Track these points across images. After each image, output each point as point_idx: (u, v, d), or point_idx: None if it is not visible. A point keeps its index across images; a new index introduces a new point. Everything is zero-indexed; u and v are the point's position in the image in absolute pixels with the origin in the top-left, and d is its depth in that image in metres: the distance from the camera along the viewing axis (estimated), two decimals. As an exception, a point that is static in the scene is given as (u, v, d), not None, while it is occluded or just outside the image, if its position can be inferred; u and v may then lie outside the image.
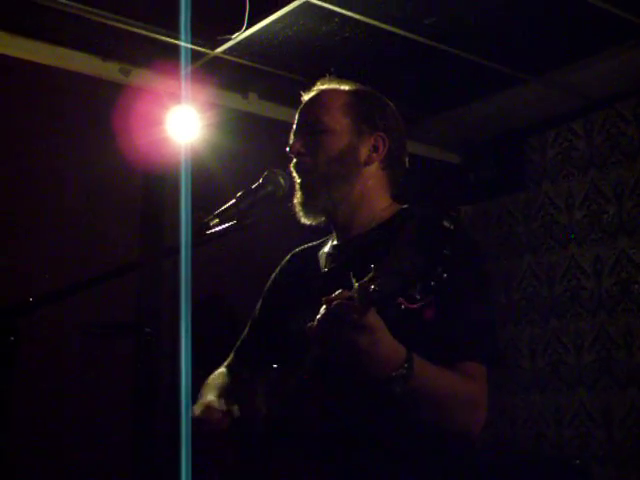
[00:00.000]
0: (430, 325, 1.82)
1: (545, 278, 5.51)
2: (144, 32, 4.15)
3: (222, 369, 2.38)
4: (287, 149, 2.18)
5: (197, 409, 2.09)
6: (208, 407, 2.08)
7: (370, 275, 1.60)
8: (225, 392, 2.21)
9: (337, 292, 1.65)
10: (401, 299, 1.59)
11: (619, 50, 4.53)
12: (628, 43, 4.46)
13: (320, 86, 2.22)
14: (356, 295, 1.61)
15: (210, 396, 2.16)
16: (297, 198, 2.14)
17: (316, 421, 1.90)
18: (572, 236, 5.40)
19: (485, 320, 1.98)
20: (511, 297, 5.66)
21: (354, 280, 1.63)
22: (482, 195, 5.95)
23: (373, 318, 1.64)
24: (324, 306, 1.66)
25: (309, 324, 1.68)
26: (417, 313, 1.62)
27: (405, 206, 2.17)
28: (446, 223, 1.57)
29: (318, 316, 1.67)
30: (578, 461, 4.69)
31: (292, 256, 2.39)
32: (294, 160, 2.15)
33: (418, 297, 1.56)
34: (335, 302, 1.63)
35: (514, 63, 4.69)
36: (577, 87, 5.03)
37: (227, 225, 1.96)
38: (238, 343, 2.40)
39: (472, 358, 1.90)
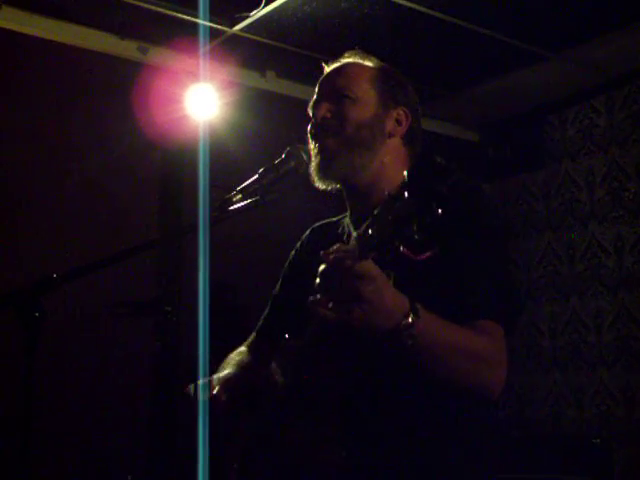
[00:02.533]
0: (439, 278, 1.80)
1: (565, 256, 5.48)
2: (162, 10, 4.14)
3: (242, 347, 2.39)
4: (310, 113, 2.16)
5: (210, 390, 2.08)
6: (225, 382, 2.08)
7: (367, 222, 1.56)
8: (243, 367, 2.21)
9: (335, 246, 1.62)
10: (403, 248, 1.52)
11: (641, 26, 4.49)
12: (650, 19, 4.41)
13: (346, 59, 2.21)
14: (355, 243, 1.58)
15: (227, 371, 2.16)
16: (314, 161, 2.09)
17: (327, 387, 1.89)
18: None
19: (497, 270, 1.92)
20: (531, 275, 5.64)
21: (352, 230, 1.60)
22: (502, 173, 5.92)
23: (371, 266, 1.59)
24: (322, 264, 1.62)
25: (311, 298, 1.65)
26: (424, 266, 1.56)
27: None
28: (438, 159, 1.53)
29: (319, 270, 1.63)
30: (598, 440, 4.67)
31: (311, 231, 2.38)
32: (316, 124, 2.11)
33: (416, 238, 1.51)
34: (332, 255, 1.60)
35: (535, 40, 4.64)
36: (598, 64, 4.98)
37: (250, 201, 1.95)
38: (260, 322, 2.40)
39: (486, 316, 1.84)
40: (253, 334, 2.41)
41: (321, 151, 2.08)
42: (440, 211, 1.47)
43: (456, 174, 1.55)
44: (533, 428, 5.42)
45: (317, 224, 2.38)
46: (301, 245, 2.38)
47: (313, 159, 2.09)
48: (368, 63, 2.19)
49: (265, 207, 1.99)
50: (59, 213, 4.16)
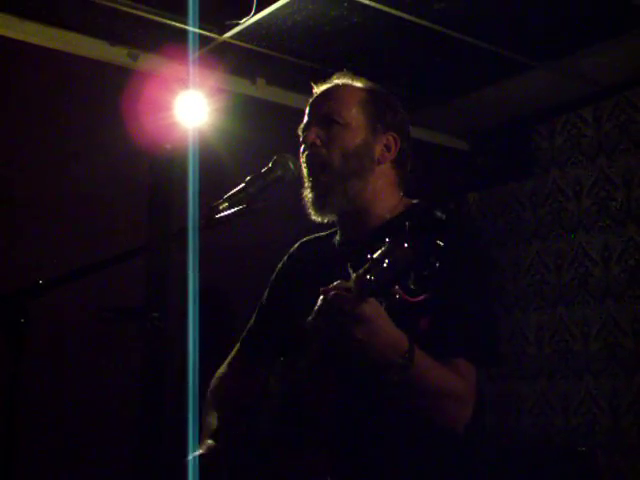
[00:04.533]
0: (426, 318, 1.84)
1: (553, 265, 5.50)
2: (152, 17, 4.14)
3: (224, 370, 2.40)
4: (300, 139, 2.17)
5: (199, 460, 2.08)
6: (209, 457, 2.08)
7: (366, 266, 1.63)
8: (223, 424, 2.21)
9: (335, 283, 1.69)
10: (397, 289, 1.61)
11: (629, 37, 4.50)
12: (639, 30, 4.43)
13: (335, 80, 2.22)
14: (353, 285, 1.64)
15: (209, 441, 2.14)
16: (309, 195, 2.13)
17: (316, 412, 1.91)
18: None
19: (483, 317, 1.99)
20: (518, 284, 5.65)
21: (351, 271, 1.65)
22: (490, 182, 5.94)
23: (370, 308, 1.67)
24: (321, 297, 1.70)
25: (308, 319, 1.72)
26: (414, 305, 1.63)
27: (415, 201, 2.18)
28: (438, 213, 1.58)
29: (315, 307, 1.71)
30: (584, 448, 4.69)
31: (301, 245, 2.39)
32: (306, 152, 2.14)
33: (412, 287, 1.58)
34: (331, 293, 1.66)
35: (523, 49, 4.66)
36: (586, 74, 5.00)
37: (236, 209, 1.96)
38: (245, 333, 2.41)
39: (461, 355, 1.91)
40: (237, 345, 2.42)
41: (315, 187, 2.12)
42: (438, 265, 1.56)
43: (455, 229, 1.63)
44: (519, 436, 5.42)
45: (305, 239, 2.40)
46: (289, 258, 2.39)
47: (307, 193, 2.14)
48: (358, 84, 2.20)
49: (252, 215, 2.00)
50: (47, 218, 4.15)
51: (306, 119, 2.20)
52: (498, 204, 5.92)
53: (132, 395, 4.37)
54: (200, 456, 2.06)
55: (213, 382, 2.38)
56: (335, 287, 1.67)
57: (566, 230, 5.45)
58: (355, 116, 2.13)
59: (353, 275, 1.66)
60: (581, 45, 4.62)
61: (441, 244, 1.55)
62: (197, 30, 4.19)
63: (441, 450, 1.97)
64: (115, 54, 4.48)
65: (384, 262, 1.58)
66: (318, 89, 2.22)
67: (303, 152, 2.15)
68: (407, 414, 1.89)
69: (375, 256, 1.61)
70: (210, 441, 2.12)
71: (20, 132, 4.16)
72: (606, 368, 5.07)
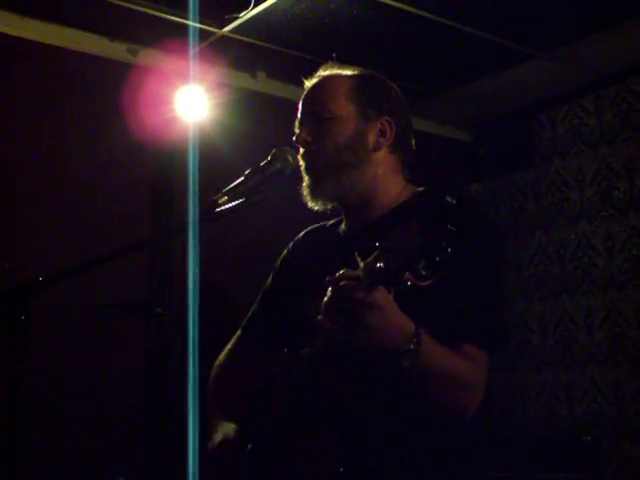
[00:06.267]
0: (437, 303, 1.83)
1: (556, 255, 5.49)
2: (152, 12, 4.13)
3: (225, 358, 2.40)
4: (294, 138, 2.17)
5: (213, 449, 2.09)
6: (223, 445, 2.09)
7: (375, 253, 1.60)
8: (232, 409, 2.21)
9: (341, 271, 1.67)
10: (408, 275, 1.60)
11: (630, 25, 4.49)
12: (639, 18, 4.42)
13: (322, 72, 2.20)
14: (362, 274, 1.62)
15: (219, 434, 2.14)
16: (305, 182, 2.13)
17: (326, 402, 1.91)
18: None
19: (491, 302, 1.98)
20: (522, 274, 5.65)
21: (359, 259, 1.64)
22: (492, 172, 5.93)
23: (381, 295, 1.65)
24: (330, 288, 1.68)
25: (318, 317, 1.71)
26: (424, 290, 1.62)
27: (421, 189, 2.16)
28: (449, 198, 1.57)
29: (325, 298, 1.69)
30: (589, 438, 4.69)
31: (306, 233, 2.39)
32: (301, 150, 2.13)
33: (424, 273, 1.56)
34: (341, 283, 1.65)
35: (524, 39, 4.65)
36: (588, 63, 4.99)
37: (236, 203, 1.96)
38: (246, 319, 2.42)
39: (473, 341, 1.91)
40: (239, 331, 2.42)
41: (308, 175, 2.12)
42: (449, 250, 1.54)
43: (466, 213, 1.61)
44: (524, 426, 5.43)
45: (311, 227, 2.39)
46: (294, 246, 2.39)
47: (303, 181, 2.12)
48: (345, 72, 2.17)
49: (252, 208, 2.00)
50: (49, 214, 4.16)
51: (298, 116, 2.19)
52: (500, 194, 5.91)
53: (135, 391, 4.38)
54: (219, 445, 2.07)
55: (214, 371, 2.39)
56: (343, 276, 1.66)
57: (568, 220, 5.44)
58: (344, 107, 2.10)
59: (361, 263, 1.64)
60: (582, 34, 4.61)
61: (453, 229, 1.53)
62: (197, 24, 4.18)
63: (451, 437, 1.98)
64: (115, 50, 4.48)
65: (394, 249, 1.57)
66: (308, 83, 2.20)
67: (298, 150, 2.14)
68: (418, 402, 1.88)
69: (385, 244, 1.59)
70: (225, 428, 2.12)
71: (21, 128, 4.16)
72: (610, 357, 5.07)
